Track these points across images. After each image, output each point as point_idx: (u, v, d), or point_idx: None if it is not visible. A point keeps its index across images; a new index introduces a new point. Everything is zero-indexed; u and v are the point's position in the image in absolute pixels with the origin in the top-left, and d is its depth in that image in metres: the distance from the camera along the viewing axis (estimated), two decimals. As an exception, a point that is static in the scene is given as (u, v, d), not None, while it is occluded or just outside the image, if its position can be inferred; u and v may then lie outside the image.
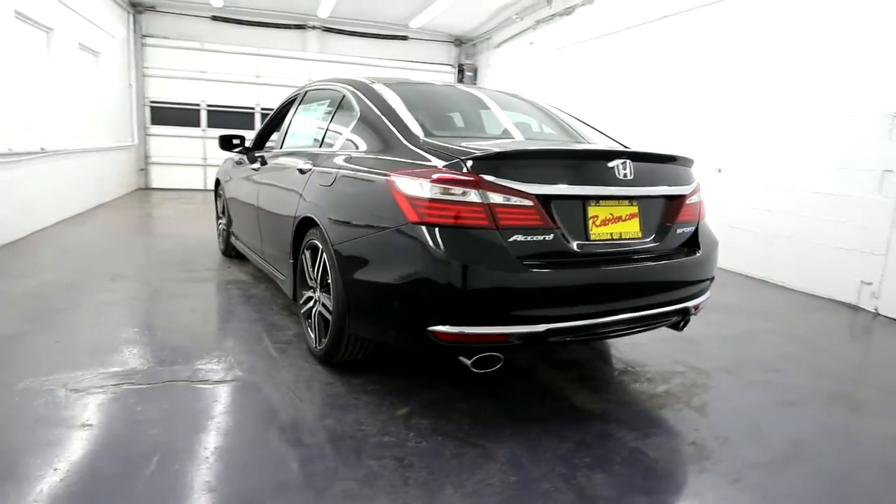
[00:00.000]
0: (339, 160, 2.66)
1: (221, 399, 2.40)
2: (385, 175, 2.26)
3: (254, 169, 3.91)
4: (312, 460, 1.98)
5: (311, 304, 2.87)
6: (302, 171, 3.00)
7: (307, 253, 2.86)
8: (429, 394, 2.56)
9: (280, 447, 2.05)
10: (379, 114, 2.67)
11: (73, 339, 2.98)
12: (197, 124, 10.91)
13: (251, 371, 2.69)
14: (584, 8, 8.50)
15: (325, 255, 2.61)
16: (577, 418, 2.41)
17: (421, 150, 2.30)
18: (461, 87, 3.44)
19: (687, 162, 2.55)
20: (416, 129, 2.46)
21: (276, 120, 4.38)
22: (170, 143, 10.80)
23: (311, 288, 2.87)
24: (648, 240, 2.39)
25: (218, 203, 5.32)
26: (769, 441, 2.30)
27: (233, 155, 4.91)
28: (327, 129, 3.11)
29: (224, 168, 5.07)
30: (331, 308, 2.57)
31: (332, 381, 2.63)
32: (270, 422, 2.23)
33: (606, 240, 2.26)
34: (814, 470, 2.11)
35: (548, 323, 2.08)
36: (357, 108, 2.83)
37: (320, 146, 3.11)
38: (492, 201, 2.03)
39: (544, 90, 9.40)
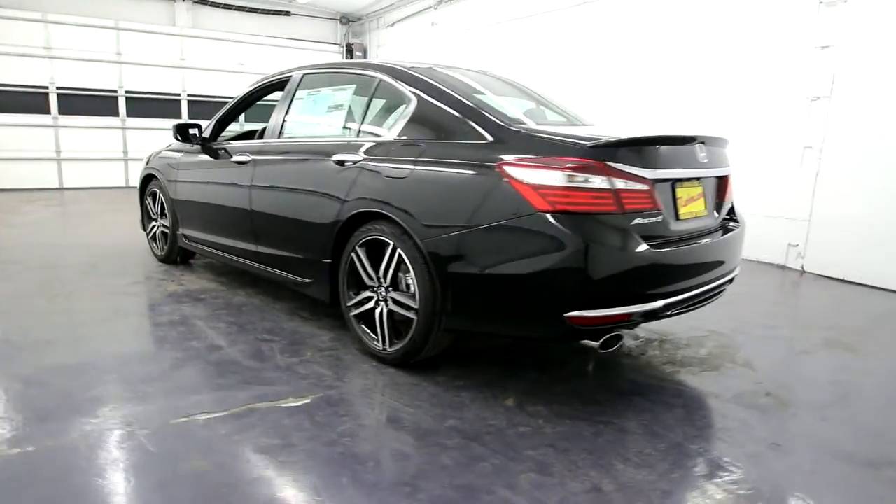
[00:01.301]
0: (410, 151, 2.62)
1: (323, 417, 2.29)
2: (492, 164, 2.30)
3: (237, 162, 3.61)
4: (475, 460, 2.01)
5: (369, 305, 2.80)
6: (342, 164, 2.88)
7: (361, 251, 2.78)
8: (518, 382, 2.67)
9: (431, 454, 2.04)
10: (443, 103, 2.66)
11: (116, 367, 2.59)
12: (46, 111, 9.45)
13: (324, 385, 2.57)
14: (495, -11, 8.83)
15: (400, 251, 2.58)
16: (662, 387, 2.68)
17: (522, 139, 2.37)
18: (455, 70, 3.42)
19: (726, 143, 2.91)
20: (500, 118, 2.51)
21: (240, 109, 4.09)
22: (10, 133, 9.23)
23: (368, 287, 2.80)
24: (712, 216, 2.72)
25: (150, 203, 4.78)
26: (819, 384, 2.77)
27: (175, 146, 4.48)
28: (364, 119, 3.01)
29: (162, 163, 4.57)
30: (414, 306, 2.55)
31: (417, 381, 2.62)
32: (396, 431, 2.19)
33: (689, 218, 2.53)
34: (871, 401, 2.62)
35: (663, 299, 2.30)
36: (409, 95, 2.78)
37: (358, 136, 3.00)
38: (617, 187, 2.19)
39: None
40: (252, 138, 4.32)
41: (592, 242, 2.13)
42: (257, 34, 11.36)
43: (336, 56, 12.55)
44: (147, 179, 4.83)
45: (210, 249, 4.10)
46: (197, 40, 10.71)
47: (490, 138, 2.46)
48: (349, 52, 12.51)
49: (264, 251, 3.49)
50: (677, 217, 2.47)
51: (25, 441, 2.02)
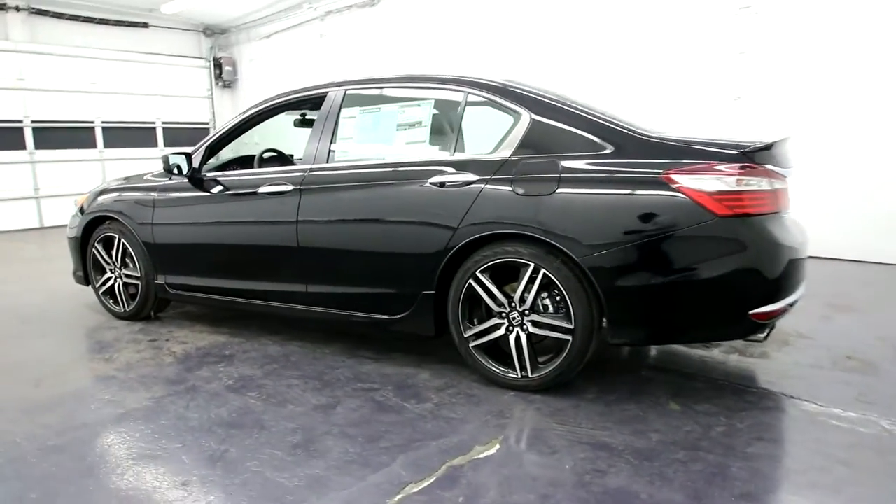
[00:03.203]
0: (545, 168, 2.50)
1: (538, 459, 2.11)
2: (656, 175, 2.31)
3: (270, 194, 3.14)
4: (722, 468, 2.00)
5: (496, 333, 2.63)
6: (441, 185, 2.67)
7: (484, 276, 2.60)
8: (655, 386, 2.70)
9: (682, 472, 1.99)
10: (556, 116, 2.60)
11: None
12: None
13: (493, 425, 2.37)
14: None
15: (546, 271, 2.46)
16: (770, 366, 2.91)
17: (670, 147, 2.39)
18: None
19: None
20: (635, 127, 2.52)
21: (238, 133, 3.58)
22: None
23: (496, 314, 2.63)
24: None
25: (100, 252, 3.94)
26: (870, 342, 3.20)
27: (135, 181, 3.86)
28: (457, 137, 2.81)
29: (125, 203, 3.80)
30: (569, 326, 2.46)
31: (574, 403, 2.53)
32: (622, 456, 2.09)
33: None
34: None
35: (800, 288, 2.49)
36: (517, 110, 2.65)
37: (454, 155, 2.79)
38: (775, 187, 2.33)
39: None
40: (245, 167, 3.81)
41: (770, 241, 2.26)
42: (111, 48, 9.90)
43: (202, 71, 11.43)
44: (93, 224, 3.99)
45: (217, 297, 3.51)
46: (38, 57, 9.04)
47: (611, 148, 2.47)
48: (217, 66, 11.46)
49: (322, 291, 3.09)
50: None
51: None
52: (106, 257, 3.96)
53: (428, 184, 2.72)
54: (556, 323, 2.50)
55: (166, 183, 3.67)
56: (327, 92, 3.20)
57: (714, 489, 1.88)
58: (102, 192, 4.03)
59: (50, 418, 2.54)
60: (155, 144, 10.65)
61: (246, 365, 3.11)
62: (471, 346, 2.71)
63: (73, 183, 9.55)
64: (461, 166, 2.69)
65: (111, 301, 4.03)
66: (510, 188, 2.54)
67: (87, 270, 4.09)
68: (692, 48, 5.89)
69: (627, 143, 2.47)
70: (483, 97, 2.78)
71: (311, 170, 3.09)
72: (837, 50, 5.13)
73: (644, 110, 6.18)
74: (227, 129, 3.55)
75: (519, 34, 7.24)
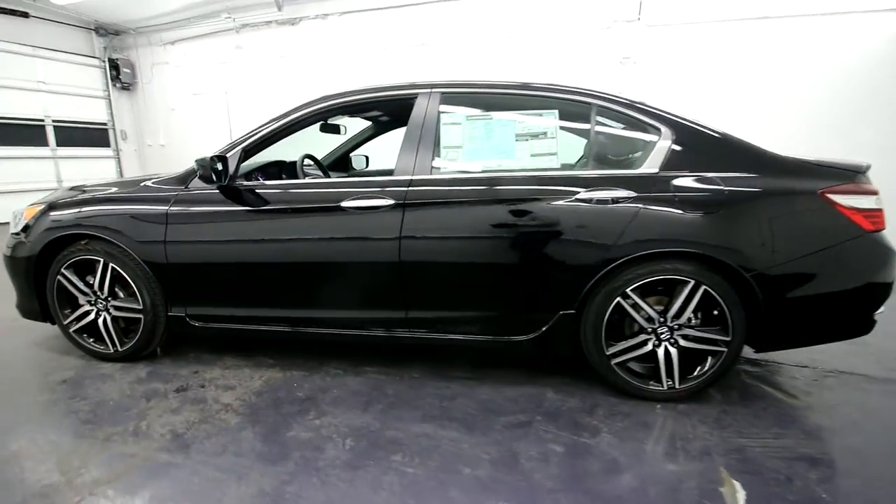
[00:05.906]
0: (705, 186, 1.81)
1: (795, 480, 1.46)
2: (813, 192, 1.78)
3: (360, 209, 1.95)
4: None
5: (644, 349, 1.91)
6: (588, 202, 1.83)
7: (634, 294, 1.86)
8: (734, 380, 2.23)
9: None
10: (697, 135, 1.92)
11: None
12: None
13: (692, 451, 1.66)
14: (314, 21, 7.01)
15: (706, 287, 1.81)
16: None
17: (805, 167, 1.87)
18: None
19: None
20: (756, 145, 1.94)
21: (281, 135, 2.22)
22: None
23: (641, 331, 1.91)
24: None
25: (72, 281, 2.25)
26: None
27: (93, 192, 2.32)
28: (591, 151, 1.95)
29: (115, 217, 2.17)
30: (726, 338, 1.85)
31: (721, 409, 1.93)
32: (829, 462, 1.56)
33: None
34: None
35: None
36: (659, 126, 1.90)
37: (588, 170, 1.92)
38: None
39: (264, 100, 7.30)
40: (270, 175, 2.44)
41: (892, 251, 1.88)
42: (-23, 34, 6.50)
43: (96, 70, 8.23)
44: (50, 246, 2.24)
45: (275, 328, 2.17)
46: None
47: (748, 165, 1.88)
48: (114, 67, 8.35)
49: (428, 316, 2.01)
50: None
51: None
52: (81, 286, 2.26)
53: (574, 200, 1.85)
54: (711, 336, 1.87)
55: (183, 193, 2.15)
56: (415, 95, 2.07)
57: None
58: (56, 206, 2.28)
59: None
60: (46, 144, 7.41)
61: (341, 410, 1.92)
62: (613, 363, 1.95)
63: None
64: (605, 182, 1.87)
65: (91, 340, 2.33)
66: (673, 207, 1.81)
67: (49, 303, 2.31)
68: (589, 56, 5.39)
69: (760, 161, 1.88)
70: (614, 111, 1.97)
71: (414, 182, 1.97)
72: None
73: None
74: (268, 130, 2.16)
75: (429, 61, 6.27)
